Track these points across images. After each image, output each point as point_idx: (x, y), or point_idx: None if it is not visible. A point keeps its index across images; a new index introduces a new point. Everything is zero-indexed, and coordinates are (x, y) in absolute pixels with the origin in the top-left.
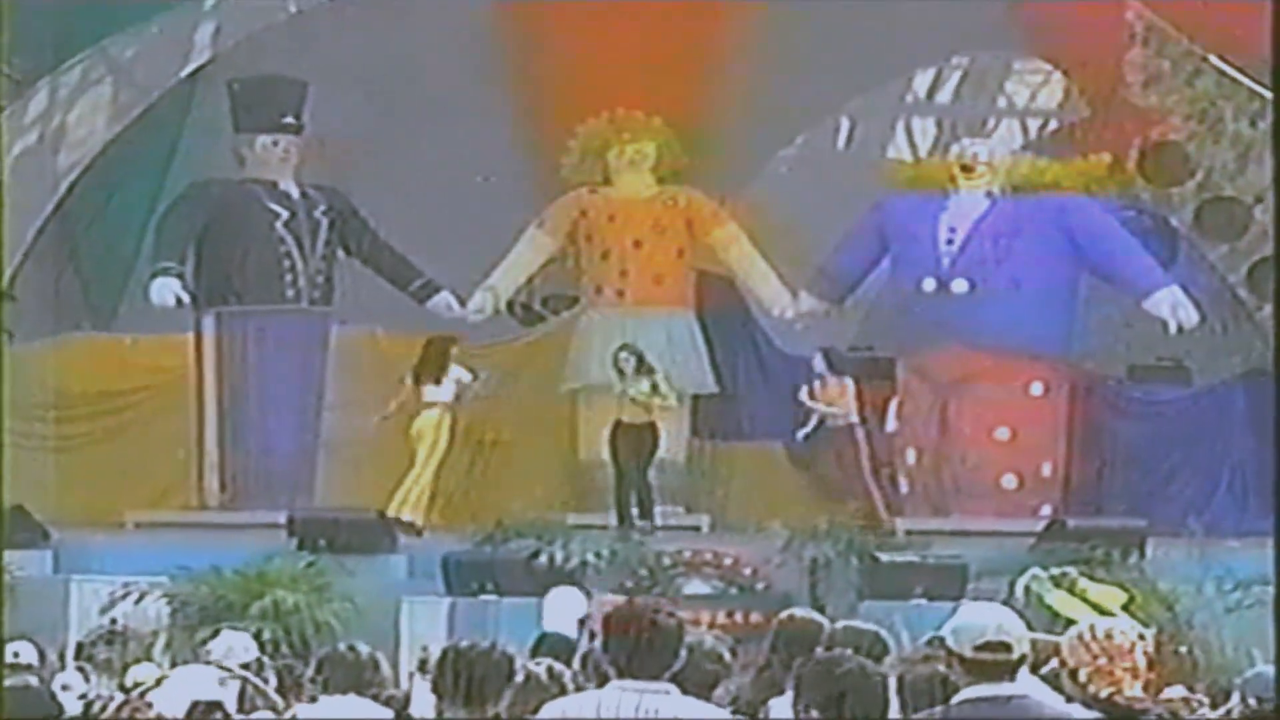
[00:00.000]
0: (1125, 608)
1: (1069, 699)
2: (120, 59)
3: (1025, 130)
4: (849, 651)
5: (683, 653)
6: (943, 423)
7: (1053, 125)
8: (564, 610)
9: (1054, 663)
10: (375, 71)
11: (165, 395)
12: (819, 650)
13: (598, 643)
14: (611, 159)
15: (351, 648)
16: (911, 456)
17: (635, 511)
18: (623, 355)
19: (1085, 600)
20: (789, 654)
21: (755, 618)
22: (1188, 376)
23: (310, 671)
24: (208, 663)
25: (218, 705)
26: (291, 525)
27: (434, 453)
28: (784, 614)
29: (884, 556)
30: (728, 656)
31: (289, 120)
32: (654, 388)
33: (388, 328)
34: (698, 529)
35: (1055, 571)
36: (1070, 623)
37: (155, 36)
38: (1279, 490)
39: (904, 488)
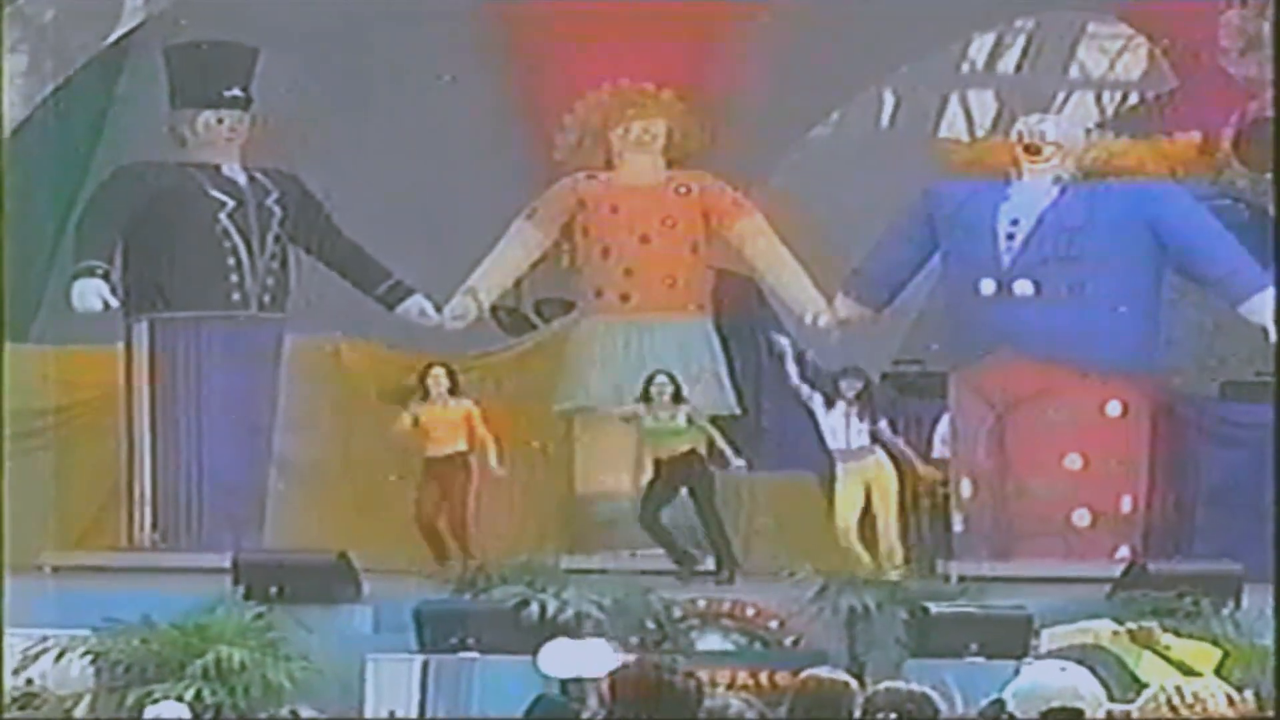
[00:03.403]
0: (1218, 669)
1: None
2: (38, 22)
3: (1101, 105)
4: (894, 717)
5: (702, 718)
6: (1003, 449)
7: (1134, 99)
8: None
9: None
10: (335, 36)
11: (89, 416)
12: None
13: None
14: (614, 139)
15: (294, 713)
16: (966, 488)
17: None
18: (660, 380)
19: (1169, 660)
20: None
21: (782, 678)
22: None
23: None
24: None
25: None
26: (237, 570)
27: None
28: (804, 674)
29: (934, 607)
30: None
31: (235, 93)
32: (689, 420)
33: (350, 336)
34: (714, 573)
35: (1131, 626)
36: (1138, 682)
37: None
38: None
39: (957, 525)
